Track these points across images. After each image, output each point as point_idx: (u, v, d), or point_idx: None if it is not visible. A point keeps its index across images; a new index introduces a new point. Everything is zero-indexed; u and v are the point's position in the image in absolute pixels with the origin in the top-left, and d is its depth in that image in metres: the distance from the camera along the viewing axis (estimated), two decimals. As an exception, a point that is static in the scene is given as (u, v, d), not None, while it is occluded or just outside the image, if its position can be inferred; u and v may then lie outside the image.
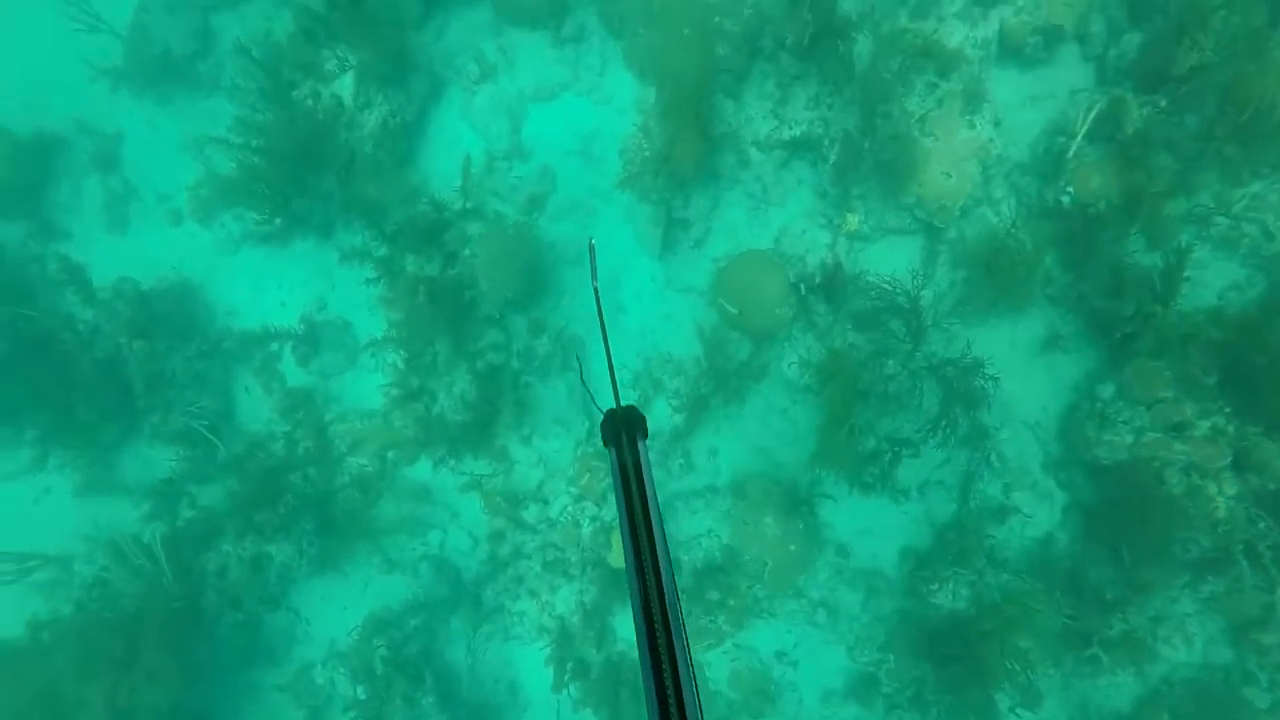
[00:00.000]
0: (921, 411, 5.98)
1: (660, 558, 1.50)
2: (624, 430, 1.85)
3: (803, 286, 6.35)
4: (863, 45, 6.24)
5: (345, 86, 6.74)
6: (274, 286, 7.23)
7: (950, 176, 6.09)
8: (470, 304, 6.67)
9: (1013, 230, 6.10)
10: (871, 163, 6.20)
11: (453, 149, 7.10)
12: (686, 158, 6.34)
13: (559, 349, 6.89)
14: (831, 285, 6.44)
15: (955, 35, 6.13)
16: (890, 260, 6.51)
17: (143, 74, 7.43)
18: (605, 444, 1.92)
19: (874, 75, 6.11)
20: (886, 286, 6.17)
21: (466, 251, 6.58)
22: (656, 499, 1.61)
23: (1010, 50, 6.34)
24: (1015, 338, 6.36)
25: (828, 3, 6.17)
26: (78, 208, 7.50)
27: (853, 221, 6.41)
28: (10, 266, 6.99)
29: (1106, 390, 5.82)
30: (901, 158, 6.07)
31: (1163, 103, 5.91)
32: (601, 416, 2.03)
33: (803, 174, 6.65)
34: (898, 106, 6.08)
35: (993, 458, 6.04)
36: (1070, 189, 6.05)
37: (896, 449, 6.00)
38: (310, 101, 6.72)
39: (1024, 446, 6.13)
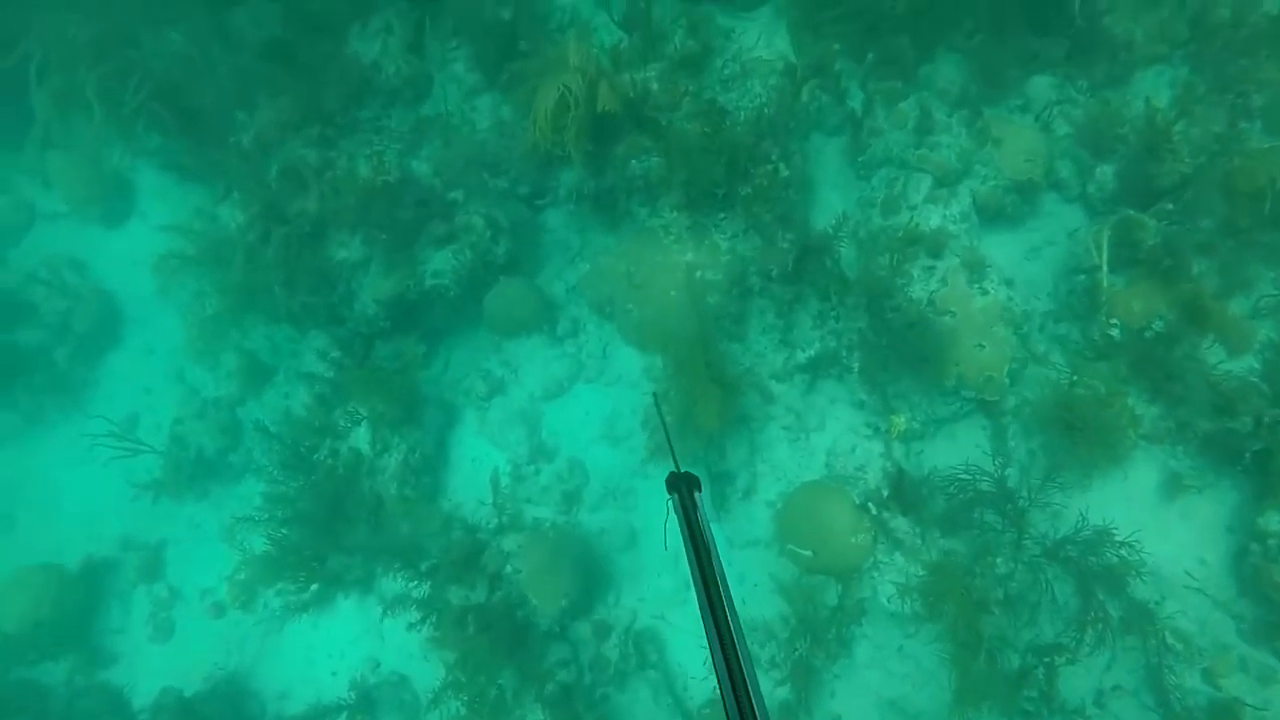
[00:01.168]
0: (1059, 607, 5.00)
1: (719, 574, 1.83)
2: (684, 483, 2.33)
3: (872, 505, 5.70)
4: (848, 253, 6.24)
5: (361, 438, 6.80)
6: (323, 657, 6.73)
7: (984, 347, 5.70)
8: (525, 624, 6.07)
9: (1076, 380, 5.55)
10: (898, 359, 5.87)
11: (477, 469, 6.96)
12: (709, 412, 6.05)
13: (632, 648, 6.12)
14: (902, 495, 5.80)
15: (933, 218, 6.10)
16: (954, 450, 5.94)
17: (181, 479, 7.63)
18: (669, 492, 2.40)
19: (869, 277, 6.01)
20: (964, 477, 5.52)
21: (509, 569, 6.12)
22: (710, 533, 1.99)
23: (991, 215, 6.28)
24: (1129, 493, 5.53)
25: (801, 227, 6.28)
26: (126, 627, 7.31)
27: (900, 423, 5.93)
28: (53, 713, 6.63)
29: (1272, 521, 4.86)
30: (927, 344, 5.74)
31: (1169, 206, 5.66)
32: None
33: (832, 391, 6.31)
34: (903, 298, 5.89)
35: (1170, 640, 4.91)
36: (1115, 321, 5.60)
37: (1048, 660, 4.92)
38: (330, 460, 6.74)
39: (1203, 616, 5.03)
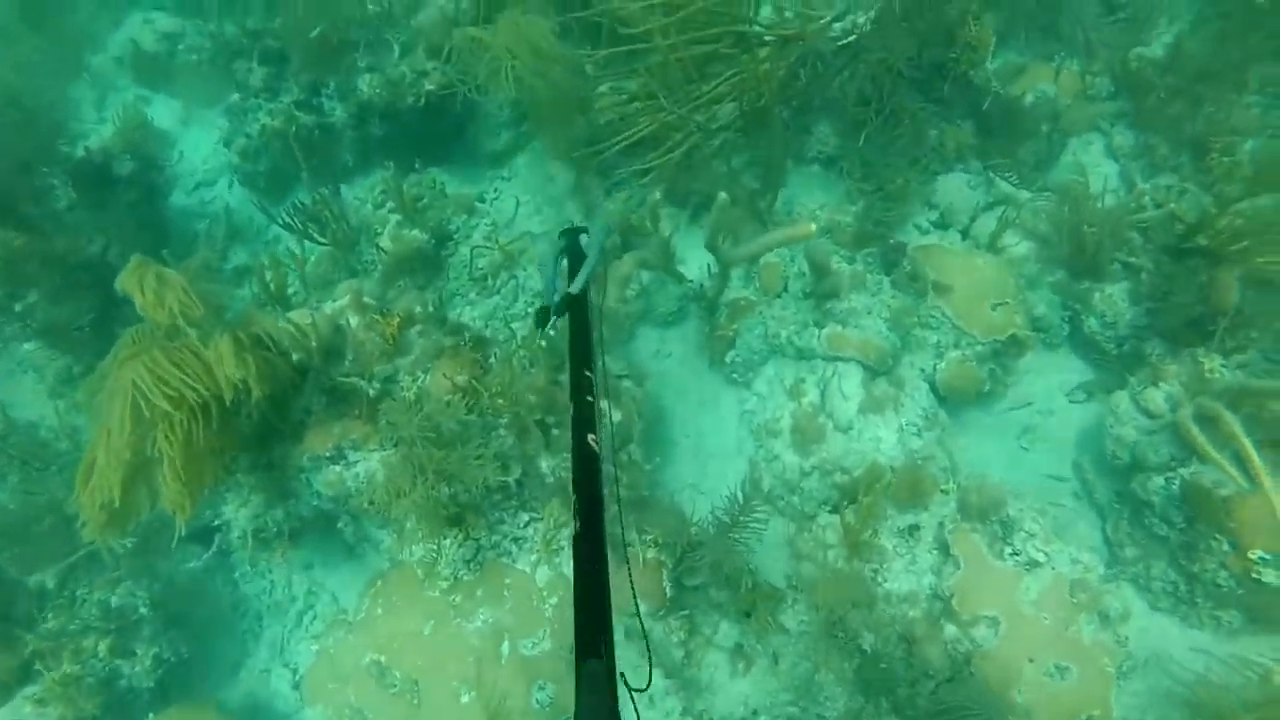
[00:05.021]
0: None
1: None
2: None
3: None
4: (764, 537, 3.45)
5: None
6: None
7: (1069, 669, 3.00)
8: None
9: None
10: (915, 724, 3.04)
11: None
12: None
13: None
14: None
15: (885, 436, 3.51)
16: None
17: None
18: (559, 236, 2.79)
19: (813, 576, 3.23)
20: None
21: None
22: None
23: (961, 403, 3.80)
24: None
25: (668, 512, 3.48)
26: None
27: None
28: None
29: None
30: (963, 692, 2.95)
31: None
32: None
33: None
34: (887, 607, 3.14)
35: None
36: (1263, 555, 3.11)
37: None
38: None
39: None
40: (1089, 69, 4.49)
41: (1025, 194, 4.19)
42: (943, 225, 4.29)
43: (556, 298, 2.85)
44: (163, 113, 5.72)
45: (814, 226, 3.27)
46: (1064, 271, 3.97)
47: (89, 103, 5.87)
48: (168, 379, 2.87)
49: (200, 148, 5.57)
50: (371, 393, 3.28)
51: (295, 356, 3.20)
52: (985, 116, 4.17)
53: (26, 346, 4.39)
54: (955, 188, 4.27)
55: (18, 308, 4.35)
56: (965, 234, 4.23)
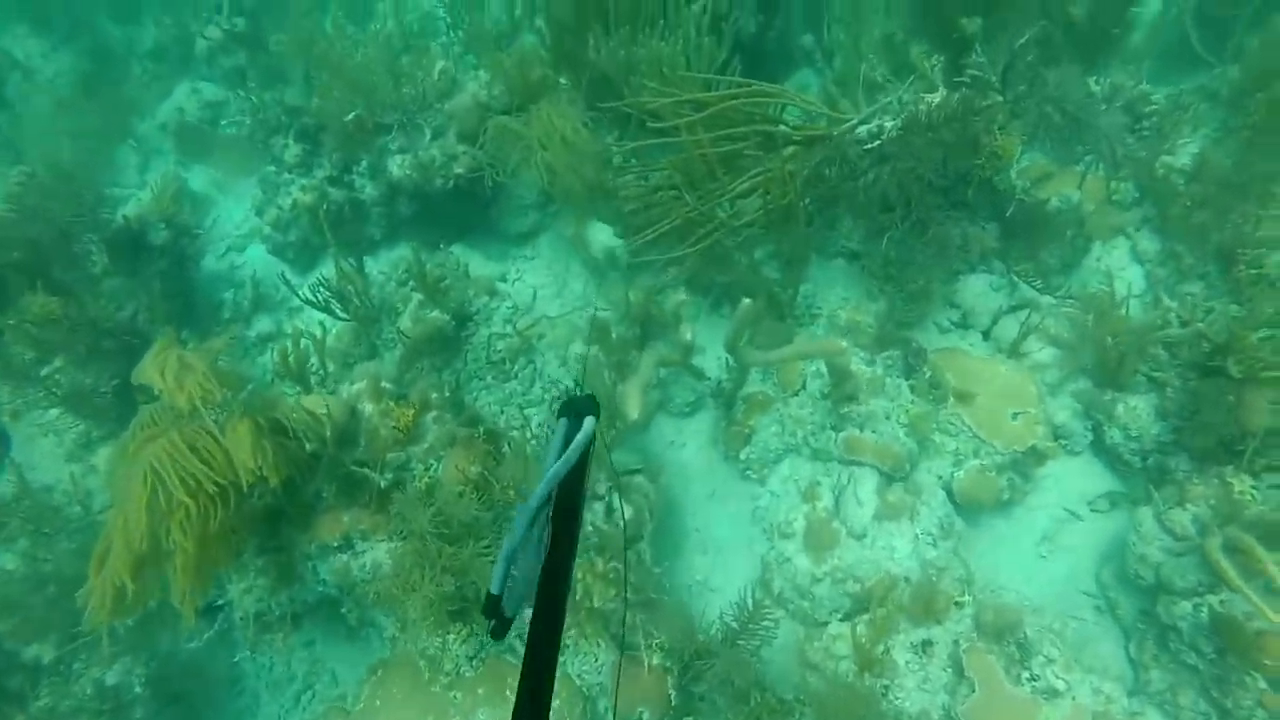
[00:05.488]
0: None
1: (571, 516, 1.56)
2: (577, 408, 1.93)
3: None
4: (772, 643, 3.37)
5: None
6: None
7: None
8: None
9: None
10: None
11: None
12: None
13: None
14: None
15: (899, 546, 3.43)
16: None
17: None
18: (557, 417, 2.02)
19: (822, 691, 3.13)
20: None
21: None
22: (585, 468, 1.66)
23: (977, 509, 3.72)
24: None
25: (675, 615, 3.40)
26: None
27: None
28: None
29: None
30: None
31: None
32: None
33: None
34: (899, 726, 3.03)
35: None
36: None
37: None
38: None
39: None
40: (1114, 176, 4.49)
41: (1048, 299, 4.15)
42: (964, 325, 4.26)
43: (491, 588, 1.57)
44: (200, 179, 5.89)
45: (845, 344, 3.25)
46: (1087, 380, 3.91)
47: (133, 167, 6.07)
48: (186, 466, 2.87)
49: (233, 214, 5.71)
50: (382, 484, 3.27)
51: (309, 446, 3.20)
52: (1009, 221, 4.16)
53: (52, 413, 4.43)
54: (978, 289, 4.25)
55: (44, 372, 4.42)
56: (986, 335, 4.20)
